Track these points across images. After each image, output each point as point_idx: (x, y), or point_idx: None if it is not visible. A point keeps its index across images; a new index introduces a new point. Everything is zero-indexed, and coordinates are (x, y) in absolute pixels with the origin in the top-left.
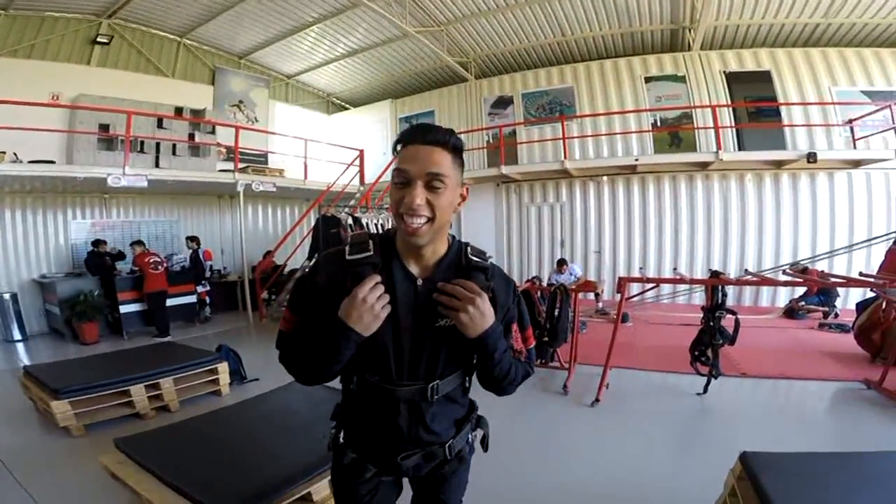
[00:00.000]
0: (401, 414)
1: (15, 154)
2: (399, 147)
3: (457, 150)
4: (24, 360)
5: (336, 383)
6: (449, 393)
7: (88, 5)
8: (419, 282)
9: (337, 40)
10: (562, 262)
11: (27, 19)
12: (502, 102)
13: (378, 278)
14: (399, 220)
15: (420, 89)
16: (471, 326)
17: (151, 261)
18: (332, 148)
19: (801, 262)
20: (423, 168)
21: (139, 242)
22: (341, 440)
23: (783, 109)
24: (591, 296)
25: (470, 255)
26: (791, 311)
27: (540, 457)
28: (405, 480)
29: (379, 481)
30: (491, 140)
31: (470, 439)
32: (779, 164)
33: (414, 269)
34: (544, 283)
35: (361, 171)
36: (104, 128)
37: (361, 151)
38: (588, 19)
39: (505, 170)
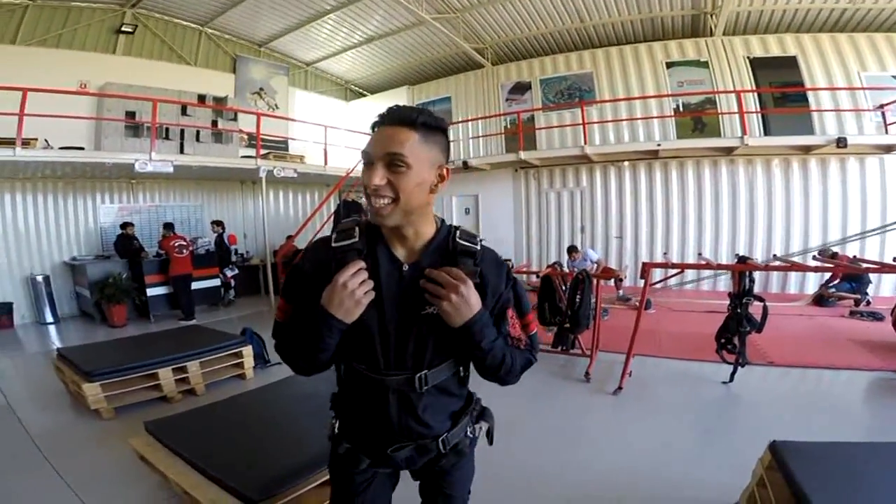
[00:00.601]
0: (390, 404)
1: (46, 141)
2: (373, 130)
3: (428, 126)
4: (56, 342)
5: None
6: (441, 383)
7: None
8: (405, 267)
9: (354, 27)
10: (572, 250)
11: (54, 9)
12: (520, 88)
13: (361, 264)
14: (367, 200)
15: (436, 76)
16: (454, 315)
17: (176, 244)
18: (350, 134)
19: (831, 247)
20: (382, 148)
21: (169, 226)
22: (336, 430)
23: (810, 95)
24: (612, 282)
25: (458, 239)
26: (820, 299)
27: (560, 444)
28: (407, 473)
29: (374, 472)
30: (509, 125)
31: (469, 432)
32: (807, 150)
33: (400, 253)
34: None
35: None
36: (131, 115)
37: None
38: (607, 5)
39: (524, 155)
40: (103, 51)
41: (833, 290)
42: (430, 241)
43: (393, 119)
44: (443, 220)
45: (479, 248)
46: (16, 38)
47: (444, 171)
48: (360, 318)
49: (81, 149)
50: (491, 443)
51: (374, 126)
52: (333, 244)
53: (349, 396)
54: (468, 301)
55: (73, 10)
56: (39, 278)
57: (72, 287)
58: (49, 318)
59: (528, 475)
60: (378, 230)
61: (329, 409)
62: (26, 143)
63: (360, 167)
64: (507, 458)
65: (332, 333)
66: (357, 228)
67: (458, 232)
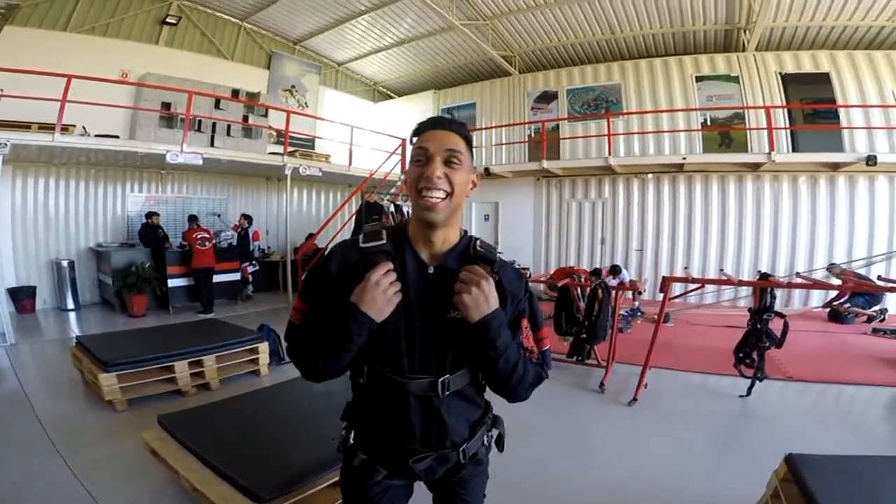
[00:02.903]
0: (413, 409)
1: (84, 128)
2: (416, 137)
3: (468, 139)
4: (76, 330)
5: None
6: (462, 390)
7: None
8: (430, 269)
9: (386, 29)
10: (615, 269)
11: None
12: (546, 97)
13: (391, 265)
14: (417, 198)
15: (463, 81)
16: (473, 308)
17: (199, 237)
18: (376, 136)
19: (839, 265)
20: (441, 145)
21: (194, 218)
22: (351, 441)
23: (841, 111)
24: (629, 294)
25: (478, 247)
26: (836, 314)
27: (574, 454)
28: (420, 484)
29: (389, 484)
30: (533, 134)
31: (486, 441)
32: (835, 167)
33: (425, 256)
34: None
35: (403, 160)
36: (166, 106)
37: (404, 140)
38: (639, 17)
39: (547, 164)
40: (147, 41)
41: (848, 304)
42: (454, 247)
43: (445, 125)
44: (465, 231)
45: (498, 257)
46: (67, 24)
47: (476, 176)
48: (386, 319)
49: (116, 137)
50: (501, 450)
51: (421, 130)
52: (362, 245)
53: (369, 404)
54: (488, 296)
55: (122, 0)
56: (64, 263)
57: (95, 274)
58: (70, 304)
59: (542, 483)
60: (404, 234)
61: (341, 418)
62: (65, 129)
63: (385, 169)
64: (520, 465)
65: (362, 331)
66: (384, 231)
67: (477, 241)
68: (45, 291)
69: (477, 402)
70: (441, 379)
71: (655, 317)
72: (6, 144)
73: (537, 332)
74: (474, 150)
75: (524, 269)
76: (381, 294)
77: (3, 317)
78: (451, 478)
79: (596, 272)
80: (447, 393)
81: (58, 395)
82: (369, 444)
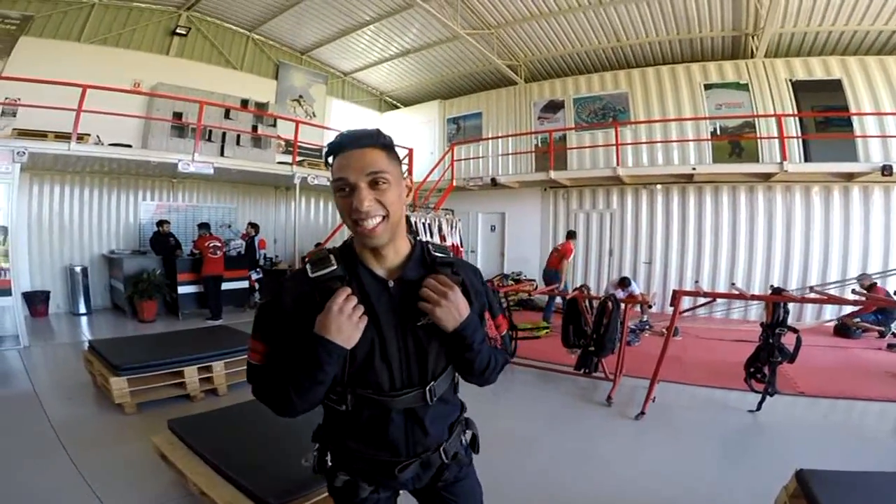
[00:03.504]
0: (394, 424)
1: (98, 137)
2: (331, 158)
3: (387, 147)
4: (87, 334)
5: None
6: (443, 394)
7: None
8: (390, 283)
9: (391, 39)
10: (624, 282)
11: (117, 9)
12: (552, 106)
13: (349, 290)
14: (354, 227)
15: (469, 91)
16: (447, 320)
17: (211, 245)
18: None
19: (871, 276)
20: (362, 170)
21: (204, 225)
22: (328, 463)
23: (855, 119)
24: (637, 307)
25: (434, 252)
26: (844, 329)
27: (581, 466)
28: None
29: (376, 498)
30: (540, 144)
31: (462, 441)
32: (849, 177)
33: (381, 271)
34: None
35: (410, 170)
36: (178, 116)
37: (410, 150)
38: (645, 25)
39: (554, 174)
40: (158, 52)
41: (858, 319)
42: (408, 257)
43: (360, 142)
44: (415, 236)
45: (454, 258)
46: (80, 35)
47: (409, 182)
48: (359, 343)
49: (129, 146)
50: (477, 451)
51: (335, 152)
52: (311, 275)
53: (345, 425)
54: (458, 305)
55: (133, 11)
56: (78, 269)
57: (107, 280)
58: (82, 308)
59: (548, 495)
60: (353, 254)
61: (312, 439)
62: (80, 138)
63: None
64: (527, 477)
65: (333, 360)
66: (332, 256)
67: (430, 246)
68: (58, 296)
69: (454, 402)
70: (428, 387)
71: (664, 330)
72: (24, 153)
73: (495, 319)
74: (479, 159)
75: (530, 280)
76: (347, 320)
77: (18, 320)
78: (436, 483)
79: (624, 281)
80: (434, 399)
81: (69, 397)
82: (349, 463)
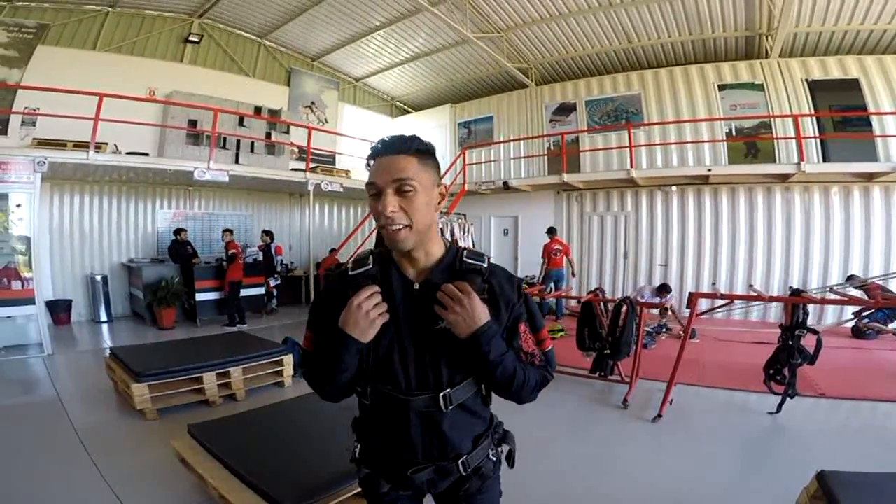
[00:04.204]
0: (412, 424)
1: (115, 145)
2: (369, 163)
3: (422, 152)
4: (108, 341)
5: None
6: (465, 403)
7: (183, 4)
8: (415, 285)
9: (401, 44)
10: (665, 288)
11: (131, 17)
12: (564, 109)
13: (375, 288)
14: (382, 230)
15: (479, 94)
16: (460, 326)
17: (231, 251)
18: None
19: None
20: (389, 176)
21: (229, 231)
22: (357, 454)
23: (874, 119)
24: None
25: (465, 259)
26: (858, 331)
27: (596, 470)
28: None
29: (396, 496)
30: (552, 147)
31: (492, 455)
32: (869, 177)
33: (410, 274)
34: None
35: None
36: (192, 123)
37: None
38: (657, 26)
39: (567, 177)
40: (171, 59)
41: (867, 320)
42: (439, 261)
43: (391, 149)
44: (452, 243)
45: (486, 264)
46: (96, 44)
47: (443, 188)
48: (379, 339)
49: (146, 154)
50: (512, 466)
51: (370, 158)
52: (350, 273)
53: (372, 419)
54: (474, 312)
55: (146, 19)
56: (98, 278)
57: (127, 288)
58: (103, 316)
59: (560, 499)
60: (390, 256)
61: (351, 429)
62: (98, 146)
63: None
64: (541, 480)
65: (350, 352)
66: (371, 256)
67: (465, 252)
68: (80, 304)
69: (481, 415)
70: (442, 393)
71: (681, 332)
72: (44, 162)
73: (537, 334)
74: (492, 163)
75: (542, 284)
76: (364, 316)
77: (42, 328)
78: (456, 492)
79: (665, 287)
80: (451, 407)
81: (91, 403)
82: (373, 458)
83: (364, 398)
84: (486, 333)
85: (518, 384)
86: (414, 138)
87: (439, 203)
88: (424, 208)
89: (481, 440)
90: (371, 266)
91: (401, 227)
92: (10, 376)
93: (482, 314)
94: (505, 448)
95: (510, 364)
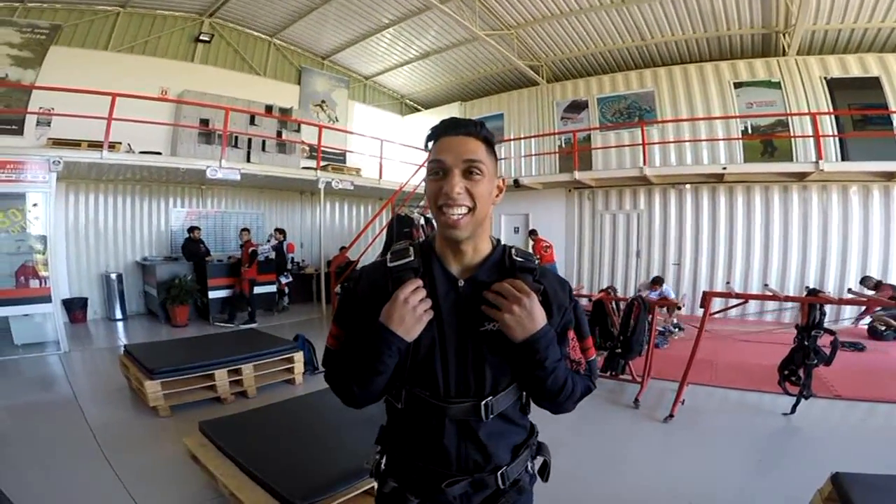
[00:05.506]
0: (448, 434)
1: (129, 145)
2: (431, 143)
3: (488, 141)
4: (123, 339)
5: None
6: (505, 411)
7: (193, 4)
8: (460, 282)
9: (410, 42)
10: (658, 281)
11: (142, 17)
12: (576, 107)
13: (419, 282)
14: (438, 214)
15: (489, 92)
16: (517, 329)
17: (251, 249)
18: (404, 149)
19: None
20: (459, 156)
21: (247, 230)
22: (383, 466)
23: (895, 117)
24: (664, 309)
25: (515, 256)
26: (874, 331)
27: (607, 469)
28: None
29: None
30: (563, 145)
31: (529, 468)
32: (890, 176)
33: (455, 269)
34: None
35: None
36: (204, 122)
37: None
38: (670, 23)
39: (578, 175)
40: (183, 59)
41: (871, 320)
42: (486, 258)
43: (462, 129)
44: (498, 240)
45: (537, 265)
46: (108, 44)
47: (501, 181)
48: (421, 338)
49: (159, 153)
50: (546, 479)
51: (436, 136)
52: (389, 264)
53: (404, 428)
54: (533, 314)
55: (157, 18)
56: (113, 276)
57: (141, 286)
58: (118, 314)
59: (570, 497)
60: (431, 249)
61: (375, 441)
62: (112, 146)
63: (414, 182)
64: (552, 479)
65: (392, 352)
66: (411, 248)
67: (513, 250)
68: (95, 302)
69: (521, 424)
70: (484, 402)
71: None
72: (59, 162)
73: (583, 342)
74: (502, 161)
75: None
76: (410, 312)
77: (59, 326)
78: None
79: (657, 280)
80: (491, 417)
81: (106, 400)
82: (401, 470)
83: (397, 402)
84: (545, 338)
85: (566, 394)
86: (483, 124)
87: (497, 196)
88: (487, 196)
89: (521, 451)
90: (413, 258)
91: (464, 210)
92: (28, 374)
93: (540, 317)
94: (539, 459)
95: (562, 372)
